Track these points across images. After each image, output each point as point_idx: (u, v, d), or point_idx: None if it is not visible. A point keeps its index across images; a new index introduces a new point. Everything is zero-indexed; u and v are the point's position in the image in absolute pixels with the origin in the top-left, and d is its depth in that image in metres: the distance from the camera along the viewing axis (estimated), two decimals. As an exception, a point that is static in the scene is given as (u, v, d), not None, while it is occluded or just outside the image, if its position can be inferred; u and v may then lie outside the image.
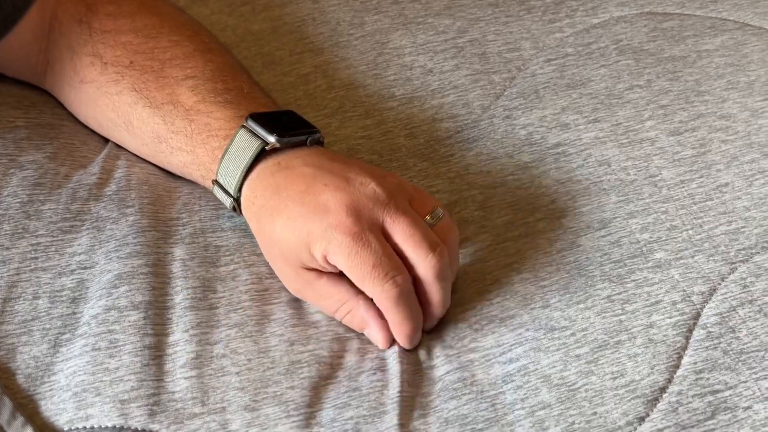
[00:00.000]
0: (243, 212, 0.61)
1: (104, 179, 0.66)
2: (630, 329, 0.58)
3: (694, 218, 0.64)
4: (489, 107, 0.74)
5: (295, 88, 0.76)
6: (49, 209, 0.63)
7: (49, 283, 0.58)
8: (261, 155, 0.60)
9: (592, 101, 0.74)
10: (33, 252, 0.60)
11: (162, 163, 0.67)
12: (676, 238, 0.63)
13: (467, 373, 0.56)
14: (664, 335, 0.57)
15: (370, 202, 0.56)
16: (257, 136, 0.60)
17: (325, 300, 0.58)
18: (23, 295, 0.58)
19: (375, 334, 0.57)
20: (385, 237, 0.56)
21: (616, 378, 0.55)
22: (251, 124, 0.61)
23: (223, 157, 0.61)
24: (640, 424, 0.53)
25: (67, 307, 0.57)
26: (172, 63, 0.66)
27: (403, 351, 0.57)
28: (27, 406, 0.53)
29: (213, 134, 0.62)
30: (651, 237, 0.63)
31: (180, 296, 0.58)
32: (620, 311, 0.59)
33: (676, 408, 0.53)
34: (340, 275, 0.57)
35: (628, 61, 0.77)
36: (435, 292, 0.57)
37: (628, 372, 0.56)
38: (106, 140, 0.70)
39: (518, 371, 0.56)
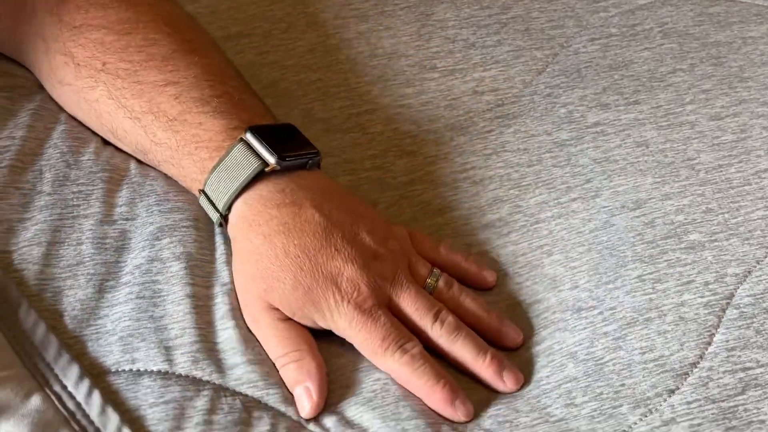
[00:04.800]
0: (230, 228, 0.58)
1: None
2: (660, 307, 0.58)
3: (731, 202, 0.64)
4: (530, 83, 0.74)
5: (337, 50, 0.76)
6: (89, 160, 0.63)
7: (92, 230, 0.59)
8: (258, 176, 0.57)
9: (633, 83, 0.74)
10: (75, 200, 0.61)
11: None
12: (711, 221, 0.63)
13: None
14: (696, 314, 0.58)
15: (379, 279, 0.56)
16: (256, 154, 0.57)
17: (278, 340, 0.55)
18: (67, 240, 0.59)
19: (305, 394, 0.53)
20: (391, 308, 0.56)
21: (645, 353, 0.56)
22: (250, 139, 0.58)
23: (215, 168, 0.58)
24: (670, 396, 0.53)
25: (111, 255, 0.58)
26: (148, 65, 0.61)
27: None
28: (73, 347, 0.55)
29: (202, 145, 0.59)
30: (686, 219, 0.64)
31: (219, 251, 0.60)
32: (651, 290, 0.59)
33: (707, 383, 0.54)
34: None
35: (672, 45, 0.77)
36: (458, 350, 0.56)
37: (657, 347, 0.56)
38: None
39: (543, 352, 0.57)
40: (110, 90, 0.62)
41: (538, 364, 0.56)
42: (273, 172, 0.58)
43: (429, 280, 0.58)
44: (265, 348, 0.55)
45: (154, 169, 0.64)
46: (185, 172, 0.60)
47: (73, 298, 0.57)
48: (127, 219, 0.61)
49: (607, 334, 0.57)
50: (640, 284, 0.60)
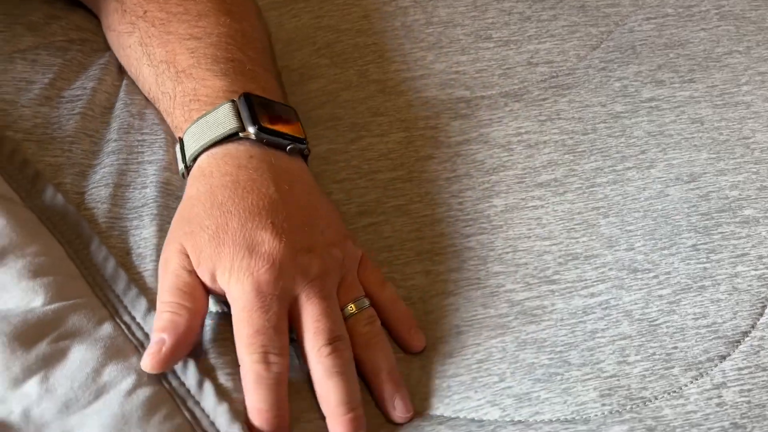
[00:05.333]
0: (188, 179, 0.57)
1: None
2: (714, 276, 0.58)
3: (788, 178, 0.64)
4: (585, 57, 0.74)
5: (393, 17, 0.76)
6: (151, 113, 0.65)
7: (156, 174, 0.60)
8: (234, 137, 0.56)
9: (689, 62, 0.73)
10: (139, 147, 0.62)
11: None
12: (765, 197, 0.63)
13: (547, 302, 0.57)
14: (749, 285, 0.57)
15: (297, 271, 0.52)
16: (239, 118, 0.56)
17: (171, 287, 0.52)
18: (133, 183, 0.60)
19: (157, 345, 0.50)
20: (292, 309, 0.52)
21: (698, 319, 0.55)
22: (241, 104, 0.57)
23: (196, 120, 0.57)
24: (721, 362, 0.53)
25: (174, 201, 0.59)
26: (182, 18, 0.62)
27: None
28: (139, 281, 0.55)
29: (196, 99, 0.59)
30: (740, 194, 0.63)
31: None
32: (705, 260, 0.59)
33: (758, 351, 0.53)
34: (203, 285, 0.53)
35: (728, 27, 0.76)
36: (324, 390, 0.51)
37: (710, 314, 0.56)
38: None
39: (599, 305, 0.56)
40: (142, 37, 0.63)
41: (594, 315, 0.55)
42: (249, 140, 0.56)
43: (352, 305, 0.54)
44: (158, 290, 0.53)
45: None
46: (175, 122, 0.60)
47: (139, 237, 0.57)
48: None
49: (661, 297, 0.56)
50: (694, 253, 0.59)
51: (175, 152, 0.60)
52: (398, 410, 0.52)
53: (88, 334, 0.51)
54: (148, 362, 0.50)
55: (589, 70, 0.73)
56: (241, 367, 0.51)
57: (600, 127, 0.68)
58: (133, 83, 0.67)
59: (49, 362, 0.49)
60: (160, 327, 0.51)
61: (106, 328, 0.51)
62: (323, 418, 0.51)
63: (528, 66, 0.73)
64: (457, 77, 0.72)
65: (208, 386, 0.50)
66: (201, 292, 0.52)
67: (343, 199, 0.62)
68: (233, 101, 0.57)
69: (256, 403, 0.49)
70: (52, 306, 0.51)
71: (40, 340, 0.49)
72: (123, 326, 0.52)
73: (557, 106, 0.70)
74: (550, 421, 0.51)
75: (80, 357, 0.49)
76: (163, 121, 0.64)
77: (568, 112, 0.69)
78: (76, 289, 0.53)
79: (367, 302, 0.55)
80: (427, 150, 0.66)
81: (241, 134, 0.56)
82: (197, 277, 0.53)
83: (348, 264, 0.55)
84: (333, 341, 0.51)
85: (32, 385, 0.48)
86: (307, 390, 0.52)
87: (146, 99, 0.65)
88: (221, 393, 0.50)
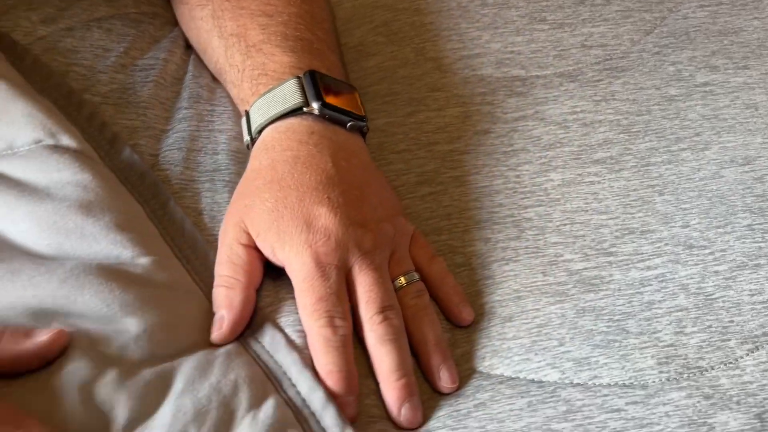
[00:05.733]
0: (252, 151, 0.59)
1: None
2: (770, 255, 0.58)
3: None
4: (638, 42, 0.75)
5: (450, -1, 0.77)
6: (218, 86, 0.67)
7: (226, 143, 0.62)
8: (297, 112, 0.58)
9: (743, 49, 0.74)
10: (209, 116, 0.64)
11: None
12: (820, 181, 0.63)
13: (605, 272, 0.57)
14: (805, 264, 0.58)
15: (352, 244, 0.53)
16: (304, 93, 0.58)
17: (227, 260, 0.54)
18: (204, 149, 0.61)
19: (218, 322, 0.52)
20: (348, 279, 0.54)
21: (753, 295, 0.56)
22: (306, 80, 0.59)
23: (264, 94, 0.59)
24: (777, 336, 0.54)
25: (243, 167, 0.60)
26: None
27: None
28: (213, 243, 0.56)
29: (264, 72, 0.61)
30: (795, 178, 0.64)
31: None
32: (760, 239, 0.59)
33: (813, 327, 0.54)
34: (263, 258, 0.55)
35: (782, 16, 0.77)
36: (380, 355, 0.52)
37: (765, 291, 0.56)
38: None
39: (656, 278, 0.57)
40: (215, 10, 0.65)
41: (651, 287, 0.56)
42: (312, 115, 0.58)
43: (402, 278, 0.55)
44: (216, 260, 0.55)
45: None
46: (242, 94, 0.62)
47: (211, 200, 0.59)
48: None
49: (717, 273, 0.57)
50: (749, 232, 0.60)
51: (242, 124, 0.62)
52: (443, 380, 0.52)
53: (177, 289, 0.53)
54: (214, 338, 0.52)
55: (643, 54, 0.73)
56: (308, 335, 0.52)
57: (654, 109, 0.69)
58: (199, 59, 0.68)
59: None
60: (218, 304, 0.53)
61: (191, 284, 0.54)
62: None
63: (582, 48, 0.74)
64: (512, 57, 0.73)
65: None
66: (255, 265, 0.54)
67: (402, 168, 0.64)
68: (299, 77, 0.59)
69: (327, 365, 0.51)
70: (140, 261, 0.52)
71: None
72: (201, 286, 0.55)
73: (611, 87, 0.70)
74: (609, 385, 0.52)
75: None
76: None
77: (623, 93, 0.70)
78: (157, 246, 0.54)
79: (416, 276, 0.56)
80: (483, 125, 0.67)
81: (305, 109, 0.58)
82: (253, 250, 0.54)
83: (399, 239, 0.57)
84: (384, 310, 0.53)
85: None
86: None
87: (212, 75, 0.67)
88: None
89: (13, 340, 0.47)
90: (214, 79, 0.67)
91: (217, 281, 0.54)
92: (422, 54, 0.73)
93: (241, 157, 0.61)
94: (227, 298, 0.53)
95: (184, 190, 0.59)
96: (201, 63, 0.68)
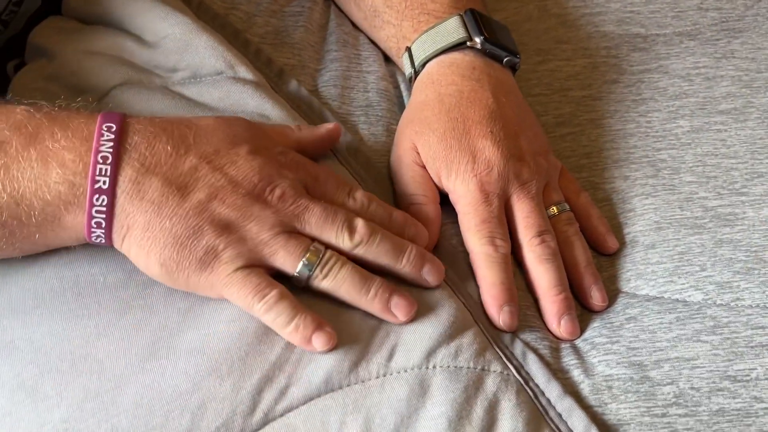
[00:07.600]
0: (415, 83, 0.63)
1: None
2: None
3: None
4: (752, 6, 0.78)
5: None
6: (360, 34, 0.71)
7: (375, 83, 0.66)
8: (460, 46, 0.62)
9: None
10: (356, 59, 0.68)
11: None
12: None
13: (739, 210, 0.61)
14: None
15: (511, 175, 0.58)
16: (466, 29, 0.62)
17: (411, 180, 0.59)
18: (356, 87, 0.66)
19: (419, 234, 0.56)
20: (508, 206, 0.58)
21: None
22: (467, 17, 0.63)
23: (426, 31, 0.63)
24: None
25: (394, 106, 0.65)
26: None
27: None
28: (378, 165, 0.62)
29: (425, 11, 0.65)
30: None
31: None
32: None
33: None
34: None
35: None
36: (540, 272, 0.56)
37: None
38: None
39: None
40: None
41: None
42: (473, 50, 0.62)
43: (554, 208, 0.59)
44: (397, 185, 0.59)
45: None
46: (402, 32, 0.65)
47: (368, 131, 0.63)
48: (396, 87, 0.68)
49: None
50: None
51: (402, 60, 0.65)
52: (595, 299, 0.56)
53: None
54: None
55: (758, 18, 0.76)
56: (471, 254, 0.57)
57: (773, 66, 0.72)
58: (338, 9, 0.72)
59: None
60: (420, 218, 0.56)
61: None
62: None
63: (699, 11, 0.77)
64: (632, 16, 0.76)
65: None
66: (432, 182, 0.59)
67: (540, 110, 0.67)
68: (460, 15, 0.63)
69: (490, 278, 0.55)
70: None
71: None
72: None
73: (730, 46, 0.74)
74: (751, 306, 0.55)
75: None
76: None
77: (742, 52, 0.73)
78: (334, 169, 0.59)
79: (567, 206, 0.60)
80: (611, 75, 0.70)
81: (468, 43, 0.62)
82: (427, 171, 0.59)
83: (550, 172, 0.61)
84: (541, 233, 0.57)
85: None
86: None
87: (352, 24, 0.71)
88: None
89: (308, 129, 0.58)
90: (355, 27, 0.71)
91: (408, 200, 0.58)
92: (545, 11, 0.76)
93: (389, 95, 0.66)
94: (421, 213, 0.57)
95: (344, 123, 0.63)
96: (341, 13, 0.72)
